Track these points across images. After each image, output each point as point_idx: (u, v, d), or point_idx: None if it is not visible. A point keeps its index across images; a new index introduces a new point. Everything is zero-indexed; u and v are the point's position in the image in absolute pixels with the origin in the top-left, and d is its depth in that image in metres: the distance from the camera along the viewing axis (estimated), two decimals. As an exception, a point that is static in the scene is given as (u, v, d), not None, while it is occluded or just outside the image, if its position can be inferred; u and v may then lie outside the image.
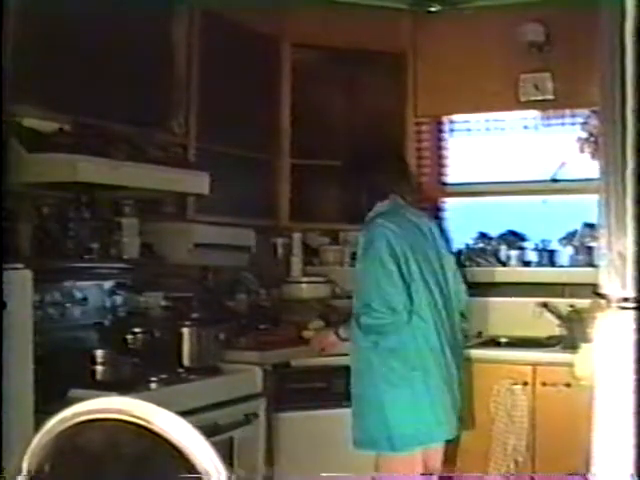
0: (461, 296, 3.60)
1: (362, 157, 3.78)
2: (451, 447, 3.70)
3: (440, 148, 5.12)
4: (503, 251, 4.74)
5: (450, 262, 3.57)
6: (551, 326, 4.45)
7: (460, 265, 3.70)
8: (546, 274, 4.63)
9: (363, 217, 3.54)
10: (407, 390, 3.32)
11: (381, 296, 3.25)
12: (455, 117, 5.07)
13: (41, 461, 1.42)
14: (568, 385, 3.77)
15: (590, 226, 4.43)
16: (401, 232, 3.37)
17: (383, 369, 3.33)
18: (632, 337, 1.88)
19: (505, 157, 4.91)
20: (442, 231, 3.66)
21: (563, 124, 4.77)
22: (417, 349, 3.32)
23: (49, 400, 2.47)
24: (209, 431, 2.89)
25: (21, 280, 2.56)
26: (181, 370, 3.50)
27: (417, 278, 3.33)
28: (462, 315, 3.61)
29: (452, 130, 5.11)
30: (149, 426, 1.34)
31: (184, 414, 1.36)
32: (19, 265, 2.57)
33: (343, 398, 4.08)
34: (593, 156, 4.39)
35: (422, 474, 3.40)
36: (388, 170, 3.65)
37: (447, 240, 3.67)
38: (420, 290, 3.34)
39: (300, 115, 4.77)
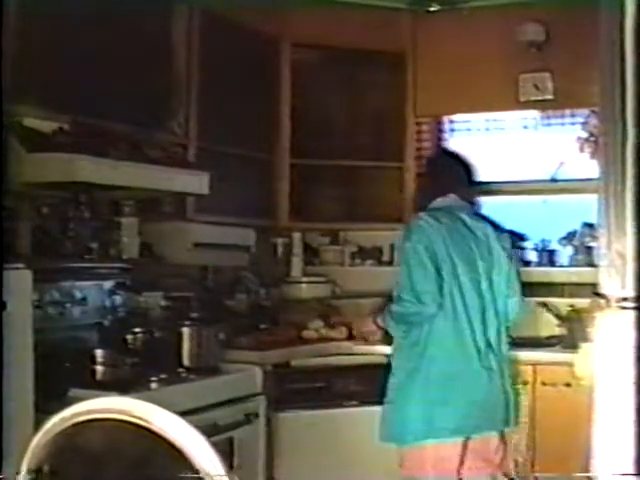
0: (511, 307, 3.50)
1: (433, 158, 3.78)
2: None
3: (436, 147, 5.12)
4: (503, 251, 4.73)
5: (503, 271, 3.49)
6: (551, 326, 4.45)
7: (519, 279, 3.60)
8: (546, 274, 4.63)
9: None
10: (419, 383, 3.33)
11: (411, 286, 3.29)
12: (455, 117, 5.08)
13: (41, 461, 1.42)
14: (568, 385, 3.77)
15: (590, 226, 4.43)
16: (444, 230, 3.35)
17: (405, 359, 3.37)
18: (632, 337, 1.88)
19: (505, 157, 4.91)
20: (503, 241, 3.53)
21: (563, 124, 4.77)
22: (441, 345, 3.32)
23: (49, 400, 2.47)
24: (209, 431, 2.89)
25: (21, 280, 2.56)
26: (181, 370, 3.50)
27: (452, 276, 3.32)
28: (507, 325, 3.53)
29: (452, 130, 5.11)
30: (149, 426, 1.34)
31: (184, 414, 1.36)
32: (19, 265, 2.57)
33: (343, 398, 4.09)
34: (593, 156, 4.39)
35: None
36: (451, 170, 3.64)
37: (506, 249, 3.52)
38: (454, 289, 3.32)
39: (300, 115, 4.77)
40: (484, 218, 3.62)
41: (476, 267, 3.41)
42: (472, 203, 3.62)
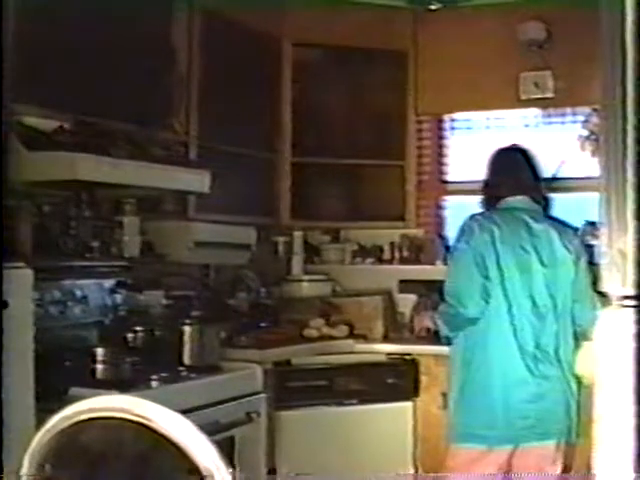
0: (578, 312, 3.38)
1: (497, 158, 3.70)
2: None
3: (441, 146, 5.12)
4: (504, 249, 4.73)
5: (568, 275, 3.39)
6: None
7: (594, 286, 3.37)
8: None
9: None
10: (459, 386, 3.35)
11: (454, 288, 3.30)
12: (456, 115, 5.08)
13: (42, 460, 1.42)
14: (569, 383, 3.76)
15: (591, 224, 4.42)
16: (498, 233, 3.31)
17: (456, 362, 3.39)
18: (633, 335, 1.88)
19: (506, 155, 4.90)
20: (572, 243, 3.45)
21: (564, 122, 4.77)
22: (485, 351, 3.29)
23: (50, 398, 2.47)
24: (210, 429, 2.88)
25: (21, 279, 2.56)
26: (182, 368, 3.50)
27: (498, 281, 3.27)
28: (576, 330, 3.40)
29: (453, 128, 5.12)
30: (150, 424, 1.34)
31: (185, 412, 1.36)
32: (19, 264, 2.57)
33: (344, 396, 4.09)
34: (594, 154, 4.39)
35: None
36: (519, 169, 3.56)
37: (573, 252, 3.42)
38: (499, 294, 3.27)
39: (301, 113, 4.77)
40: (553, 219, 3.54)
41: (530, 272, 3.33)
42: (540, 202, 3.54)
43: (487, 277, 3.27)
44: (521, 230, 3.38)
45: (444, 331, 3.43)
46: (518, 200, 3.46)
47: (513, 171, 3.55)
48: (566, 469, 3.40)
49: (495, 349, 3.28)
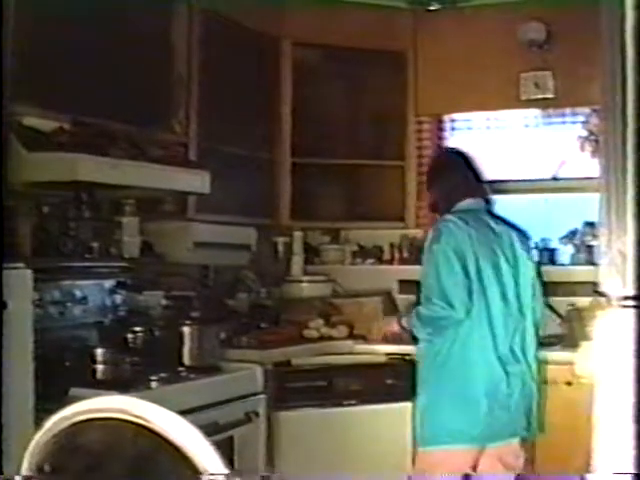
0: (535, 310, 3.51)
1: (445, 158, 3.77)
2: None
3: (441, 147, 5.11)
4: (504, 250, 4.73)
5: (527, 274, 3.48)
6: (552, 324, 4.44)
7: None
8: (547, 272, 4.60)
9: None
10: (435, 387, 3.36)
11: (441, 289, 3.27)
12: (456, 115, 5.08)
13: (41, 460, 1.42)
14: (569, 383, 3.77)
15: (591, 224, 4.42)
16: (472, 233, 3.33)
17: (429, 365, 3.40)
18: (632, 335, 1.88)
19: (506, 155, 4.91)
20: (525, 243, 3.55)
21: (564, 122, 4.77)
22: (464, 352, 3.32)
23: (49, 399, 2.46)
24: (209, 430, 2.89)
25: (21, 279, 2.56)
26: (181, 369, 3.50)
27: (478, 281, 3.30)
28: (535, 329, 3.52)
29: (453, 128, 5.11)
30: (149, 425, 1.33)
31: (184, 413, 1.36)
32: (19, 264, 2.57)
33: (344, 397, 4.08)
34: (594, 154, 4.38)
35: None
36: (466, 170, 3.61)
37: (527, 251, 3.53)
38: (479, 294, 3.30)
39: (301, 114, 4.77)
40: (504, 220, 3.59)
41: (501, 271, 3.38)
42: (490, 204, 3.60)
43: (468, 278, 3.29)
44: (487, 231, 3.43)
45: (422, 334, 3.40)
46: (474, 202, 3.51)
47: (464, 173, 3.58)
48: (527, 463, 3.53)
49: (475, 349, 3.31)
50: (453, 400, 3.31)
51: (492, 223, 3.46)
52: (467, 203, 3.49)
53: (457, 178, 3.57)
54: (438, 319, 3.31)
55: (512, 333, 3.38)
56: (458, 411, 3.30)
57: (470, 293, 3.28)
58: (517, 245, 3.46)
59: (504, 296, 3.37)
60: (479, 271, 3.31)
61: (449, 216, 3.40)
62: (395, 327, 3.70)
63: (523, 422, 3.40)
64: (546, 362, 3.76)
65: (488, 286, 3.33)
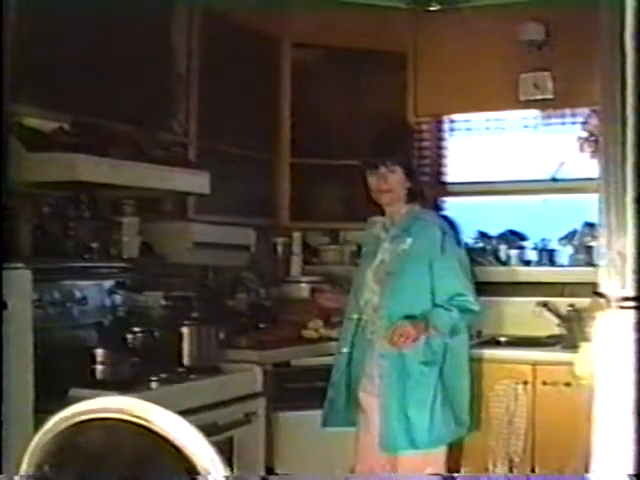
0: None
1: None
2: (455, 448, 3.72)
3: (440, 147, 5.12)
4: (503, 250, 4.74)
5: None
6: (551, 325, 4.45)
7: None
8: (546, 273, 4.63)
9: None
10: (431, 391, 3.37)
11: (469, 286, 3.45)
12: (455, 116, 5.07)
13: (41, 461, 1.42)
14: (568, 384, 3.77)
15: (590, 225, 4.42)
16: None
17: None
18: (632, 336, 1.88)
19: (505, 156, 4.91)
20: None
21: (563, 123, 4.77)
22: (456, 351, 3.43)
23: (49, 399, 2.47)
24: (209, 430, 2.87)
25: (21, 280, 2.56)
26: (181, 369, 3.50)
27: None
28: None
29: (452, 129, 5.11)
30: (149, 425, 1.33)
31: (184, 413, 1.36)
32: (19, 265, 2.57)
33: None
34: (593, 155, 4.38)
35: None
36: None
37: None
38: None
39: (300, 114, 4.77)
40: None
41: None
42: None
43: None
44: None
45: (445, 337, 3.36)
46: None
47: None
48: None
49: (465, 350, 3.44)
50: (447, 402, 3.36)
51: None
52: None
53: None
54: (468, 318, 3.44)
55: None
56: (450, 414, 3.37)
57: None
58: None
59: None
60: None
61: (443, 215, 3.56)
62: (332, 303, 3.82)
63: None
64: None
65: None
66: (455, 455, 3.91)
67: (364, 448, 3.42)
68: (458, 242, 3.46)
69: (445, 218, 3.72)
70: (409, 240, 3.35)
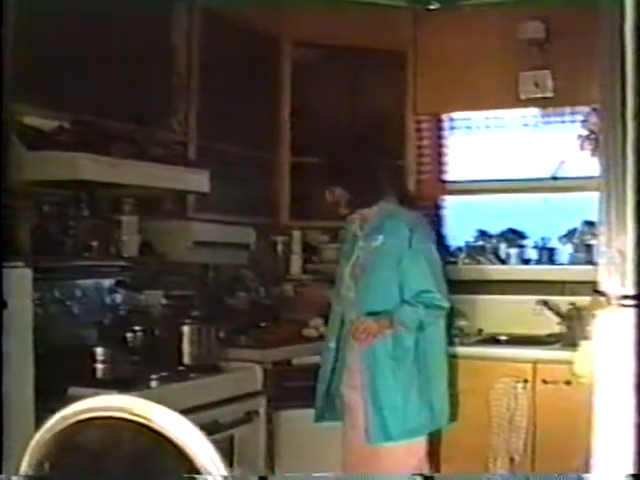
0: None
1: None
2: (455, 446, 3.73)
3: (440, 146, 5.11)
4: (503, 249, 4.74)
5: None
6: (551, 324, 4.45)
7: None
8: (546, 272, 4.63)
9: None
10: (410, 384, 3.41)
11: (441, 284, 3.51)
12: (455, 115, 5.07)
13: (41, 459, 1.42)
14: (568, 382, 3.77)
15: (590, 224, 4.42)
16: None
17: None
18: (632, 334, 1.88)
19: (505, 155, 4.91)
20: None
21: (563, 122, 4.77)
22: (430, 346, 3.46)
23: (49, 398, 2.47)
24: (209, 429, 2.87)
25: (21, 278, 2.56)
26: (181, 368, 3.50)
27: None
28: None
29: (452, 128, 5.11)
30: (149, 424, 1.34)
31: (184, 412, 1.36)
32: (19, 263, 2.57)
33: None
34: (593, 154, 4.38)
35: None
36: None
37: None
38: None
39: (300, 113, 4.76)
40: None
41: None
42: None
43: None
44: None
45: (413, 333, 3.40)
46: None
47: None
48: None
49: (441, 344, 3.49)
50: (423, 395, 3.42)
51: None
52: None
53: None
54: (437, 315, 3.48)
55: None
56: (426, 405, 3.42)
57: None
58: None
59: None
60: None
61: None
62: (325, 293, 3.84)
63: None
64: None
65: None
66: (454, 453, 3.92)
67: (349, 442, 3.45)
68: (429, 240, 3.48)
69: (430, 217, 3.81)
70: (381, 237, 3.46)
